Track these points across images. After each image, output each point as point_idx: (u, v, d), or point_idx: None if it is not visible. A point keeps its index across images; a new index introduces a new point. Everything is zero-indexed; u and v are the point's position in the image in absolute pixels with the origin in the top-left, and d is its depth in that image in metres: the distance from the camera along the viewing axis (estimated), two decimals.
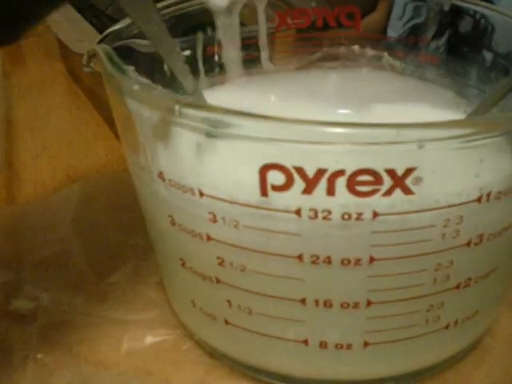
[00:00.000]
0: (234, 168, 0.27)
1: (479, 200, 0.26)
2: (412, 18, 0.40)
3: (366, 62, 0.42)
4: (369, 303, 0.29)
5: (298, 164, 0.24)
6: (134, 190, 0.33)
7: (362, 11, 0.40)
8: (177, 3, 0.38)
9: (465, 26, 0.38)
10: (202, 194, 0.27)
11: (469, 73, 0.38)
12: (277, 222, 0.27)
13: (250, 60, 0.42)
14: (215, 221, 0.28)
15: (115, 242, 0.46)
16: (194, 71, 0.40)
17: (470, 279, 0.30)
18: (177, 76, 0.31)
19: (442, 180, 0.25)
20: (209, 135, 0.26)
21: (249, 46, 0.42)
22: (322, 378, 0.33)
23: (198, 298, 0.33)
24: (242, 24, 0.41)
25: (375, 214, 0.26)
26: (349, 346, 0.31)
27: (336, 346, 0.31)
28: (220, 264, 0.30)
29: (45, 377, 0.36)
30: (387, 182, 0.24)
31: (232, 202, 0.27)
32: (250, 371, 0.35)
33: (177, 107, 0.25)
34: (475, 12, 0.37)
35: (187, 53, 0.39)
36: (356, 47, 0.42)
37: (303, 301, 0.29)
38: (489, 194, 0.26)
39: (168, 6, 0.37)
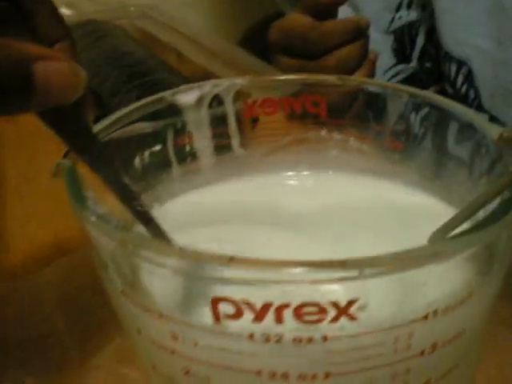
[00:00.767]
0: (188, 297, 0.28)
1: (426, 317, 0.27)
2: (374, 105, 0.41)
3: (333, 145, 0.43)
4: None
5: (245, 297, 0.25)
6: None
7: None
8: (147, 104, 0.39)
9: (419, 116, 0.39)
10: (160, 316, 0.28)
11: (428, 158, 0.39)
12: (233, 344, 0.28)
13: (222, 147, 0.43)
14: (176, 338, 0.29)
15: (100, 319, 0.46)
16: (166, 162, 0.41)
17: (429, 380, 0.31)
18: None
19: (387, 304, 0.26)
20: (166, 269, 0.27)
21: (219, 134, 0.43)
22: None
23: None
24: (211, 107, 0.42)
25: (325, 338, 0.27)
26: None
27: None
28: (186, 373, 0.31)
29: None
30: (332, 312, 0.25)
31: (189, 325, 0.28)
32: None
33: (130, 246, 0.26)
34: (433, 105, 0.38)
35: (158, 147, 0.40)
36: (323, 132, 0.43)
37: None
38: (436, 311, 0.27)
39: (138, 108, 0.38)
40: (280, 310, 0.25)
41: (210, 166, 0.43)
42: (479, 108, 0.72)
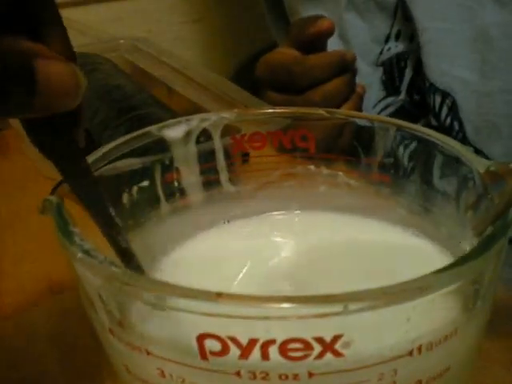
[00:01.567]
0: (175, 334, 0.28)
1: (411, 353, 0.27)
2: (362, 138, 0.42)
3: (321, 181, 0.43)
4: None
5: (231, 334, 0.26)
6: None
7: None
8: (134, 138, 0.39)
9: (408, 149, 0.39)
10: (148, 353, 0.29)
11: (415, 193, 0.40)
12: (219, 381, 0.28)
13: (210, 182, 0.43)
14: (164, 376, 0.29)
15: (91, 360, 0.46)
16: (155, 199, 0.41)
17: None
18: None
19: (372, 340, 0.27)
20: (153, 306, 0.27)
21: (208, 169, 0.43)
22: None
23: None
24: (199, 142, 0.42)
25: (310, 374, 0.27)
26: None
27: None
28: None
29: None
30: (317, 348, 0.26)
31: (176, 362, 0.28)
32: None
33: (116, 282, 0.26)
34: (421, 138, 0.39)
35: (146, 183, 0.41)
36: (312, 167, 0.43)
37: None
38: (420, 347, 0.27)
39: (125, 143, 0.38)
40: (266, 346, 0.26)
41: (199, 203, 0.44)
42: (463, 141, 0.72)
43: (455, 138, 0.74)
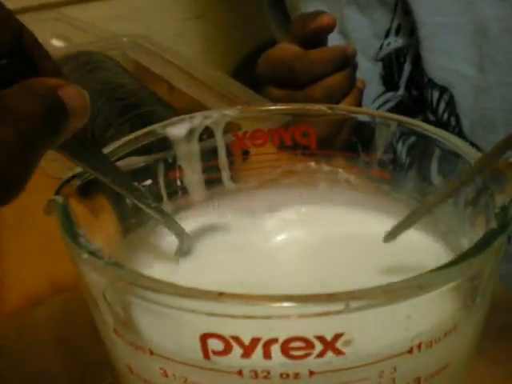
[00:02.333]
0: (178, 333, 0.28)
1: (411, 351, 0.27)
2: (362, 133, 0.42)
3: (322, 178, 0.44)
4: None
5: (234, 333, 0.26)
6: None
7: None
8: (138, 137, 0.39)
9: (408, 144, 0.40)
10: (151, 353, 0.29)
11: (414, 188, 0.40)
12: (222, 380, 0.28)
13: (212, 180, 0.44)
14: (166, 375, 0.29)
15: (94, 358, 0.46)
16: (157, 197, 0.42)
17: None
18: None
19: (372, 338, 0.27)
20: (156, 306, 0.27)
21: (210, 167, 0.43)
22: None
23: None
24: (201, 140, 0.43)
25: (311, 373, 0.27)
26: None
27: None
28: None
29: None
30: (318, 346, 0.26)
31: (179, 362, 0.28)
32: None
33: (121, 282, 0.26)
34: (420, 133, 0.39)
35: (149, 182, 0.41)
36: (312, 163, 0.43)
37: None
38: (420, 345, 0.28)
39: (129, 142, 0.39)
40: (268, 344, 0.26)
41: (201, 200, 0.44)
42: (460, 136, 0.72)
43: (451, 133, 0.74)
